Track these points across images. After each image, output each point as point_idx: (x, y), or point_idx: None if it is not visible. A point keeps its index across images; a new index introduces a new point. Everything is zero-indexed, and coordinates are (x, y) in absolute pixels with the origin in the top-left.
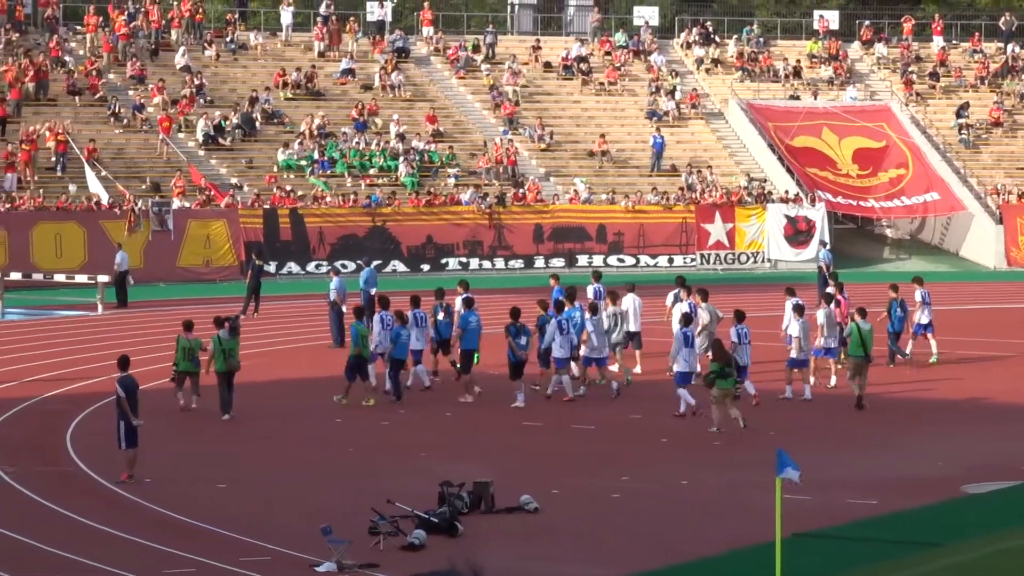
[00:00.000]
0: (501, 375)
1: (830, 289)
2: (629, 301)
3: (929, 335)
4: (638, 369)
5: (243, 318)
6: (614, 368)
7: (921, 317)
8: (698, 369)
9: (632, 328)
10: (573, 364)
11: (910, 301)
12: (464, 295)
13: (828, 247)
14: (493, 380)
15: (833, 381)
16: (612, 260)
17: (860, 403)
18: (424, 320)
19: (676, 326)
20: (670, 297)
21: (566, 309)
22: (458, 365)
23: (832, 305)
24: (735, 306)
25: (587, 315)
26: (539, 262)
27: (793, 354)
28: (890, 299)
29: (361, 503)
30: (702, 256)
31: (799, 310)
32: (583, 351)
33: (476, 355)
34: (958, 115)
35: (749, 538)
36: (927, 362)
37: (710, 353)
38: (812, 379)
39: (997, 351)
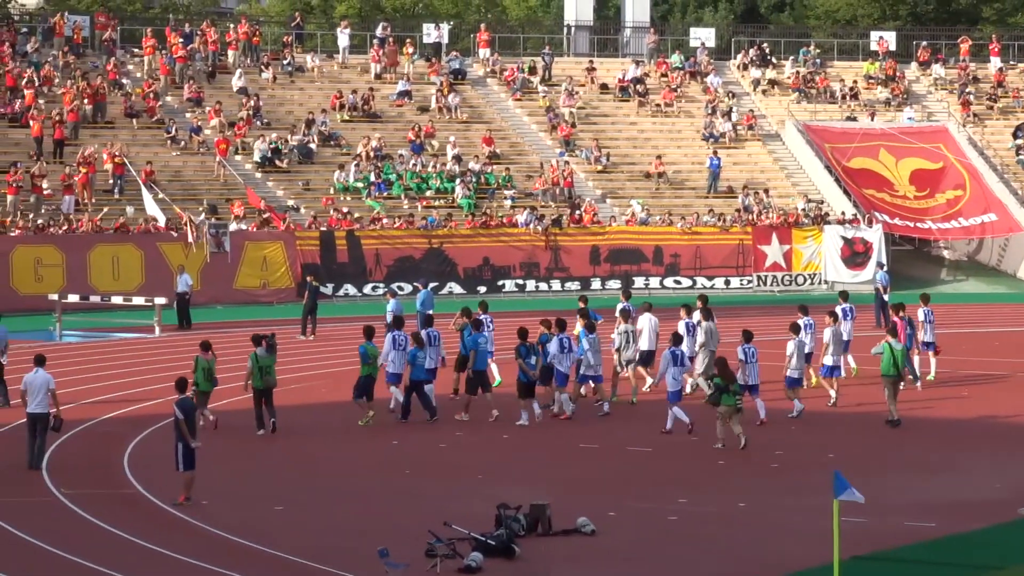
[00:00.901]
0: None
1: (838, 309)
2: (644, 320)
3: (930, 353)
4: (646, 388)
5: (302, 339)
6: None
7: (924, 335)
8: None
9: (645, 347)
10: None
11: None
12: (476, 316)
13: (885, 268)
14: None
15: (833, 396)
16: (668, 282)
17: (896, 421)
18: (437, 339)
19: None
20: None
21: (579, 328)
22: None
23: (839, 325)
24: (787, 326)
25: (585, 333)
26: (596, 284)
27: (797, 373)
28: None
29: (418, 525)
30: (759, 278)
31: (795, 329)
32: (582, 369)
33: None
34: (1015, 136)
35: (807, 561)
36: (930, 380)
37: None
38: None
39: None
